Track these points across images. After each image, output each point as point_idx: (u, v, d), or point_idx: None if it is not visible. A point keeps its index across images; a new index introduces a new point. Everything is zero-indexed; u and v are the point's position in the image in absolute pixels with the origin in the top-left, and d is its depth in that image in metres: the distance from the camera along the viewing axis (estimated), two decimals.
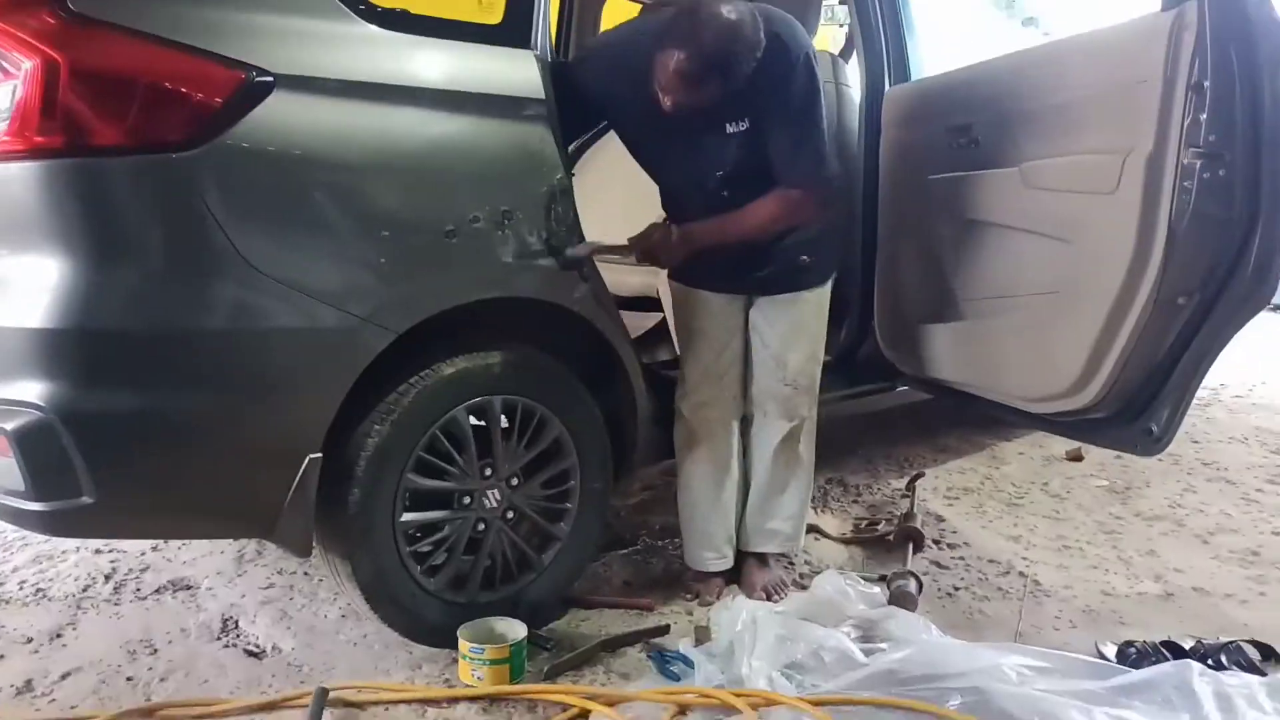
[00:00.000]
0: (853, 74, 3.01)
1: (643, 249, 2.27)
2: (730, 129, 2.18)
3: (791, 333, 2.38)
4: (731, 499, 2.50)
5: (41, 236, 1.68)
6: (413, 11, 2.01)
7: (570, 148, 2.33)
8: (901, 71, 2.77)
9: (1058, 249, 2.24)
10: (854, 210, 2.80)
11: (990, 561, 2.72)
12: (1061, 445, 3.62)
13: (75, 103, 1.62)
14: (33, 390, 1.66)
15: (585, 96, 2.27)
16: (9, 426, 1.65)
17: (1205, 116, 1.94)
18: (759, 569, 2.51)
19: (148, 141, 1.66)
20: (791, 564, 2.63)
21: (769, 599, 2.37)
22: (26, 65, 1.61)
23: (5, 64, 1.66)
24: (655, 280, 3.01)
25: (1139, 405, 2.23)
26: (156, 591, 2.49)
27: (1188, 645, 2.14)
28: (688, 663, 2.12)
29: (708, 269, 2.39)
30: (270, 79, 1.74)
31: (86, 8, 1.66)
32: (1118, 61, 2.10)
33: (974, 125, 2.42)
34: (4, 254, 1.75)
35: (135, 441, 1.73)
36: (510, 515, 2.22)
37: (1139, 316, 2.09)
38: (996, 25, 3.25)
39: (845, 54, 3.47)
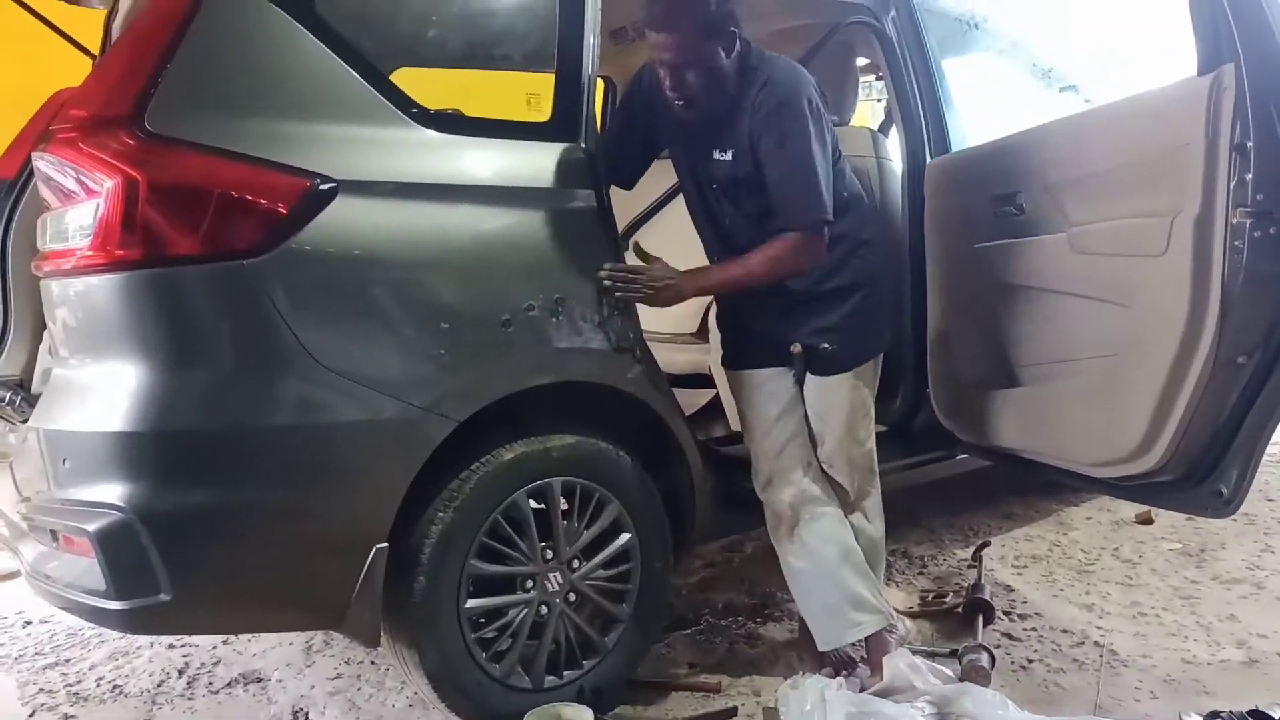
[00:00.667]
0: (893, 148, 3.06)
1: (650, 284, 2.21)
2: (717, 156, 2.24)
3: (826, 415, 2.38)
4: (844, 562, 2.38)
5: (121, 344, 1.77)
6: (465, 114, 2.11)
7: (621, 227, 2.40)
8: (941, 143, 2.81)
9: (1112, 312, 2.23)
10: (901, 282, 2.82)
11: (1064, 632, 2.65)
12: (1130, 509, 3.53)
13: (153, 217, 1.72)
14: (113, 492, 1.73)
15: (636, 122, 2.39)
16: (91, 528, 1.72)
17: (1251, 176, 1.94)
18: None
19: (220, 250, 1.75)
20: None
21: (837, 674, 2.30)
22: (108, 184, 1.72)
23: (88, 183, 1.77)
24: (706, 358, 3.04)
25: (1206, 466, 2.19)
26: (229, 685, 2.53)
27: (1276, 715, 2.05)
28: None
29: (746, 346, 2.44)
30: (333, 185, 1.83)
31: (162, 127, 1.76)
32: (1159, 126, 2.12)
33: (1019, 193, 2.44)
34: (88, 362, 1.84)
35: (210, 538, 1.79)
36: (572, 598, 2.22)
37: (1199, 377, 2.06)
38: (1035, 94, 3.28)
39: (884, 128, 3.54)
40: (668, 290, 2.23)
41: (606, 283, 2.16)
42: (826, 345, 2.32)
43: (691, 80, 2.13)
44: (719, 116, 2.20)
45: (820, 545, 2.38)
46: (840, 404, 2.37)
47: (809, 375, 2.37)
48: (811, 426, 2.41)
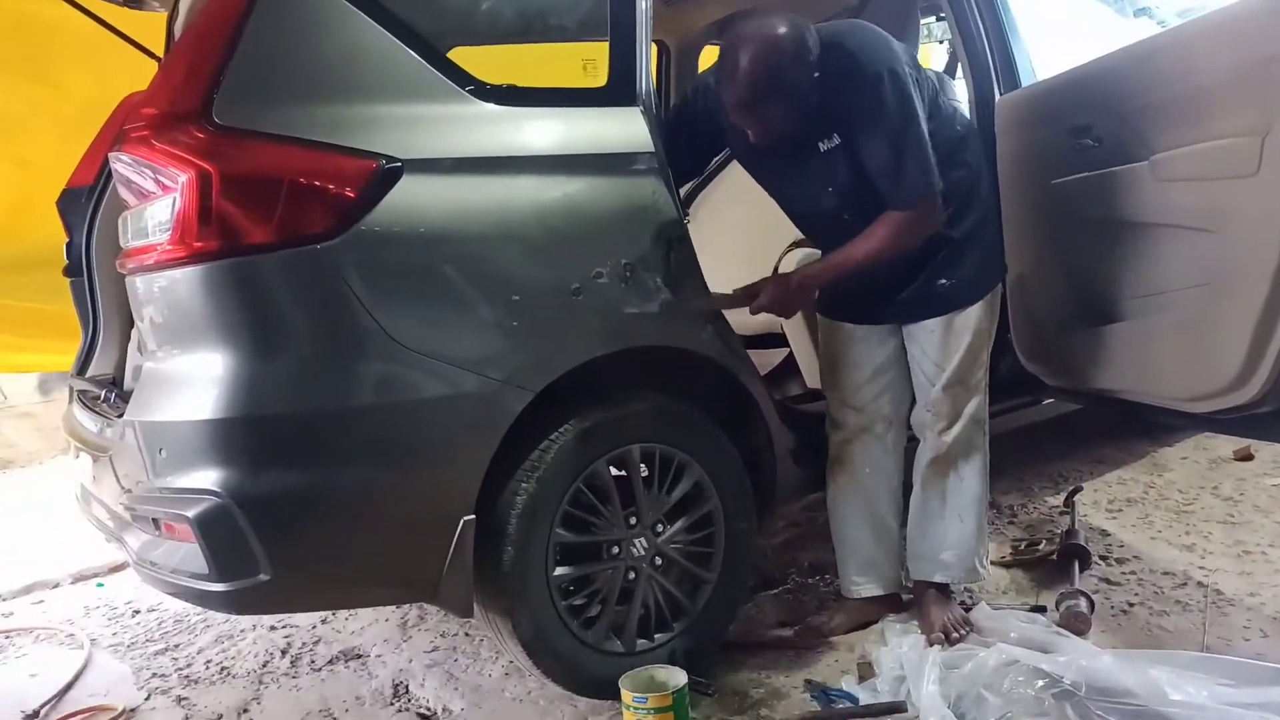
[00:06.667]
0: (960, 88, 2.97)
1: (757, 305, 2.23)
2: (823, 146, 2.14)
3: (940, 359, 2.29)
4: (884, 528, 2.44)
5: (206, 334, 1.81)
6: (522, 86, 2.09)
7: (683, 191, 2.38)
8: (1010, 79, 2.71)
9: (1202, 240, 2.13)
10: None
11: (1165, 574, 2.58)
12: (1228, 446, 3.41)
13: (228, 208, 1.75)
14: (209, 478, 1.78)
15: (698, 133, 2.34)
16: (190, 514, 1.77)
17: None
18: (937, 604, 2.37)
19: (294, 236, 1.78)
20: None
21: (948, 638, 2.25)
22: (182, 178, 1.76)
23: (163, 179, 1.81)
24: (778, 317, 3.01)
25: None
26: (330, 662, 2.60)
27: None
28: (853, 700, 2.08)
29: (846, 300, 2.38)
30: (399, 165, 1.85)
31: (229, 119, 1.79)
32: (1245, 40, 2.01)
33: (1095, 124, 2.34)
34: (175, 354, 1.89)
35: (304, 518, 1.83)
36: (659, 562, 2.23)
37: None
38: (1106, 20, 3.15)
39: (950, 70, 3.44)
40: (785, 308, 2.26)
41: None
42: (944, 281, 2.24)
43: (778, 133, 2.08)
44: (810, 116, 2.09)
45: (864, 501, 2.44)
46: (956, 347, 2.27)
47: (925, 321, 2.28)
48: (920, 374, 2.33)
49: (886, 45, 2.09)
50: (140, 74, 2.44)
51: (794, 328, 2.91)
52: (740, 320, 2.56)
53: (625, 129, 2.15)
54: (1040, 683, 1.92)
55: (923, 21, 3.68)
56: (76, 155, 2.91)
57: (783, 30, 1.99)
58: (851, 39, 2.09)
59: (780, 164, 2.25)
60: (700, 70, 3.80)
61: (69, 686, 2.59)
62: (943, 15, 2.99)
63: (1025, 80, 2.71)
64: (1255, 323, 2.03)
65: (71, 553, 3.49)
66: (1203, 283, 2.16)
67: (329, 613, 2.85)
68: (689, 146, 2.34)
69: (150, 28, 2.80)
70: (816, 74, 2.02)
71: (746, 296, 2.25)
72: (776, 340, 3.06)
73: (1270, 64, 1.92)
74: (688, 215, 2.40)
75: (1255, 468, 3.28)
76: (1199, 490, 3.15)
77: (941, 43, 4.12)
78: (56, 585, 3.39)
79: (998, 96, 2.69)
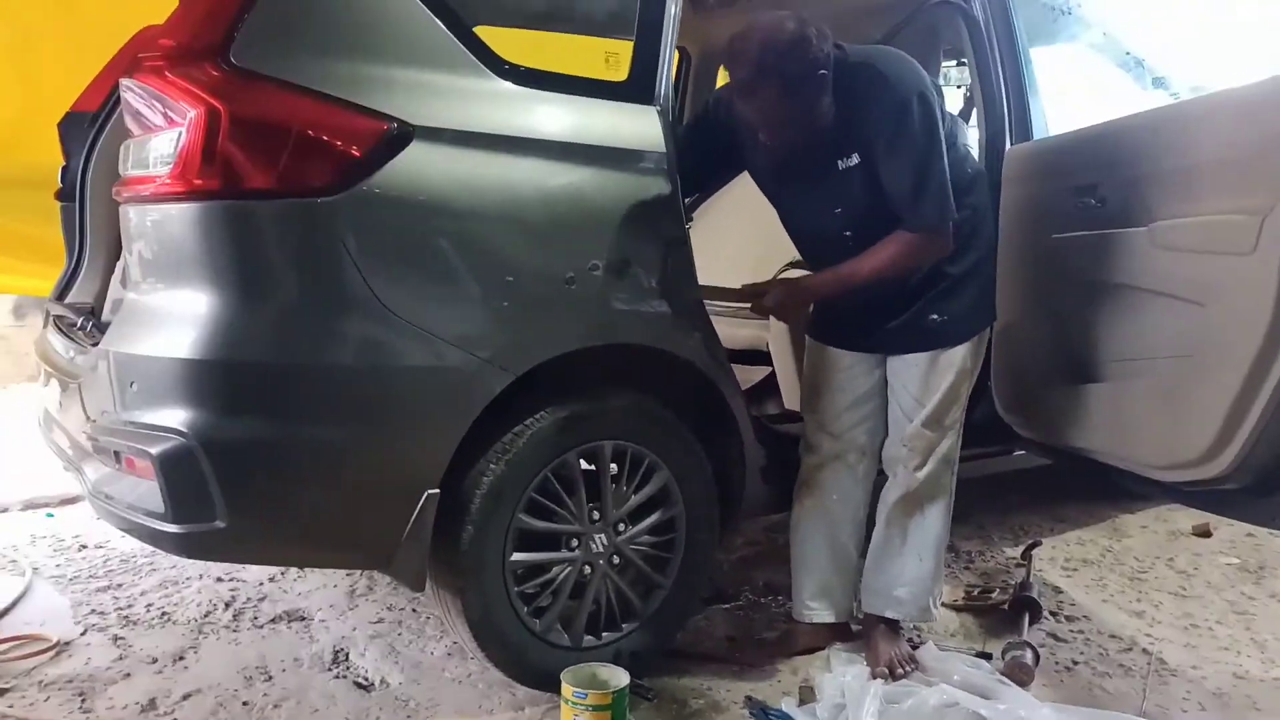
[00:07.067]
0: (972, 136, 2.99)
1: (759, 306, 2.29)
2: (841, 165, 2.14)
3: (921, 395, 2.29)
4: (844, 556, 2.44)
5: (194, 273, 1.79)
6: (544, 69, 2.09)
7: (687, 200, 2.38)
8: (1023, 130, 2.73)
9: (1190, 311, 2.15)
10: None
11: (1112, 637, 2.60)
12: (1188, 520, 3.45)
13: (233, 149, 1.73)
14: (177, 417, 1.76)
15: (714, 145, 2.34)
16: (154, 450, 1.75)
17: None
18: (885, 639, 2.37)
19: (295, 187, 1.77)
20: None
21: (892, 673, 2.26)
22: (191, 114, 1.74)
23: (171, 113, 1.79)
24: (765, 334, 3.02)
25: (1276, 477, 2.12)
26: (273, 621, 2.57)
27: None
28: None
29: (836, 325, 2.39)
30: (410, 130, 1.84)
31: (246, 61, 1.78)
32: (1253, 121, 2.03)
33: (1100, 184, 2.37)
34: (160, 289, 1.87)
35: (268, 470, 1.82)
36: (616, 561, 2.22)
37: (1278, 383, 1.99)
38: (1124, 85, 3.18)
39: (965, 114, 3.46)
40: (785, 311, 2.35)
41: None
42: (935, 316, 2.25)
43: (787, 132, 2.08)
44: (830, 130, 2.10)
45: (826, 527, 2.43)
46: (938, 384, 2.28)
47: (908, 354, 2.29)
48: (897, 408, 2.34)
49: (916, 71, 2.11)
50: (158, 6, 2.41)
51: (779, 348, 2.92)
52: (727, 334, 2.57)
53: (640, 126, 2.15)
54: None
55: (943, 65, 3.70)
56: (84, 80, 2.87)
57: (785, 18, 2.00)
58: (883, 61, 2.10)
59: (795, 180, 2.25)
60: (719, 84, 3.81)
61: (4, 612, 2.56)
62: (964, 61, 3.01)
63: (1038, 133, 2.73)
64: (1232, 399, 2.05)
65: (25, 480, 3.44)
66: (1186, 354, 2.18)
67: (277, 570, 2.83)
68: (702, 159, 2.33)
69: None
70: (823, 71, 2.00)
71: (752, 294, 2.30)
72: (761, 357, 3.06)
73: (1275, 146, 1.95)
74: (690, 221, 2.39)
75: (1212, 545, 3.32)
76: (1155, 560, 3.18)
77: (958, 88, 4.14)
78: (5, 510, 3.34)
79: (1008, 146, 2.72)
